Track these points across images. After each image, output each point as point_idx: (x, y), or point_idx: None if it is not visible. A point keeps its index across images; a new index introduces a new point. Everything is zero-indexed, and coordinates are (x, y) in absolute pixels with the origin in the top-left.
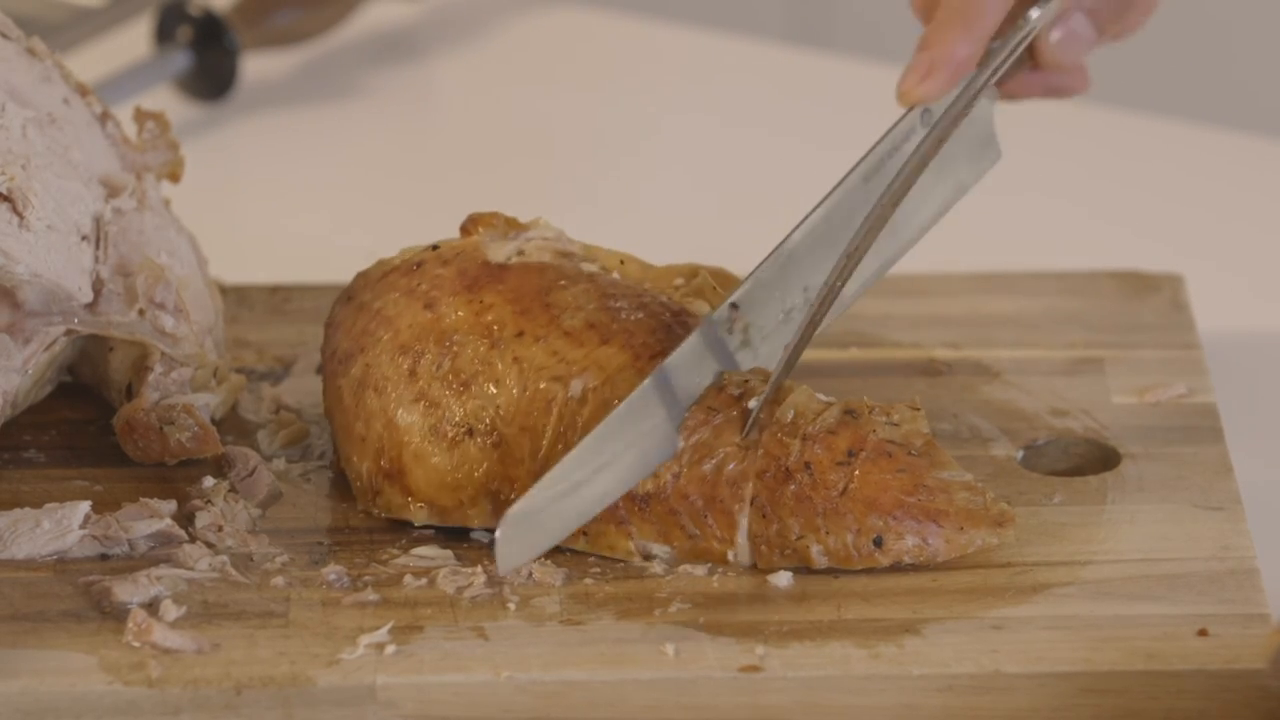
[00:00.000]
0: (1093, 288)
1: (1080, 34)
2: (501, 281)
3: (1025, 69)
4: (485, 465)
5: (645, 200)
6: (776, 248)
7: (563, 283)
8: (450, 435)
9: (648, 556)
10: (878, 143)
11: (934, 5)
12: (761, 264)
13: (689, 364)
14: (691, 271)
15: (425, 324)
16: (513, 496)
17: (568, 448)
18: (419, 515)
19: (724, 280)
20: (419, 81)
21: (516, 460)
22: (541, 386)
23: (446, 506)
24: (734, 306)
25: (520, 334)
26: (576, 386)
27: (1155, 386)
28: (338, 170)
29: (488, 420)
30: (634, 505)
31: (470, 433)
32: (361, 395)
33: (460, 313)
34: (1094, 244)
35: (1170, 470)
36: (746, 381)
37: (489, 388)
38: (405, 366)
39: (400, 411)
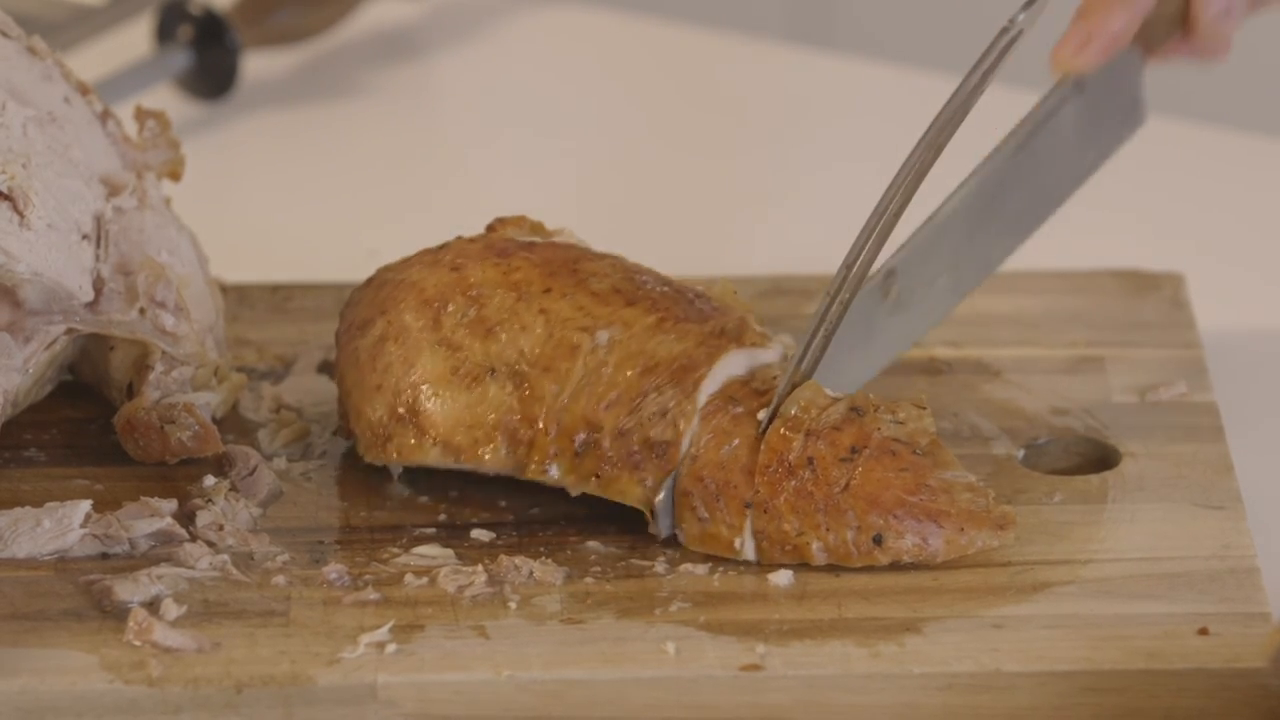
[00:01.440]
0: (1093, 286)
1: (1237, 8)
2: (530, 251)
3: (1175, 35)
4: (504, 404)
5: (645, 200)
6: (929, 218)
7: (590, 257)
8: (471, 374)
9: (654, 514)
10: (1030, 113)
11: None
12: (916, 232)
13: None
14: (709, 283)
15: (451, 281)
16: (531, 437)
17: (590, 395)
18: (431, 455)
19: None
20: (420, 81)
21: (537, 399)
22: (567, 334)
23: (461, 445)
24: (890, 274)
25: (548, 290)
26: (603, 336)
27: (1156, 385)
28: (338, 170)
29: (511, 360)
30: (650, 451)
31: (491, 372)
32: (381, 348)
33: (488, 272)
34: (1094, 243)
35: (1171, 469)
36: (774, 377)
37: (515, 330)
38: (429, 316)
39: (421, 356)
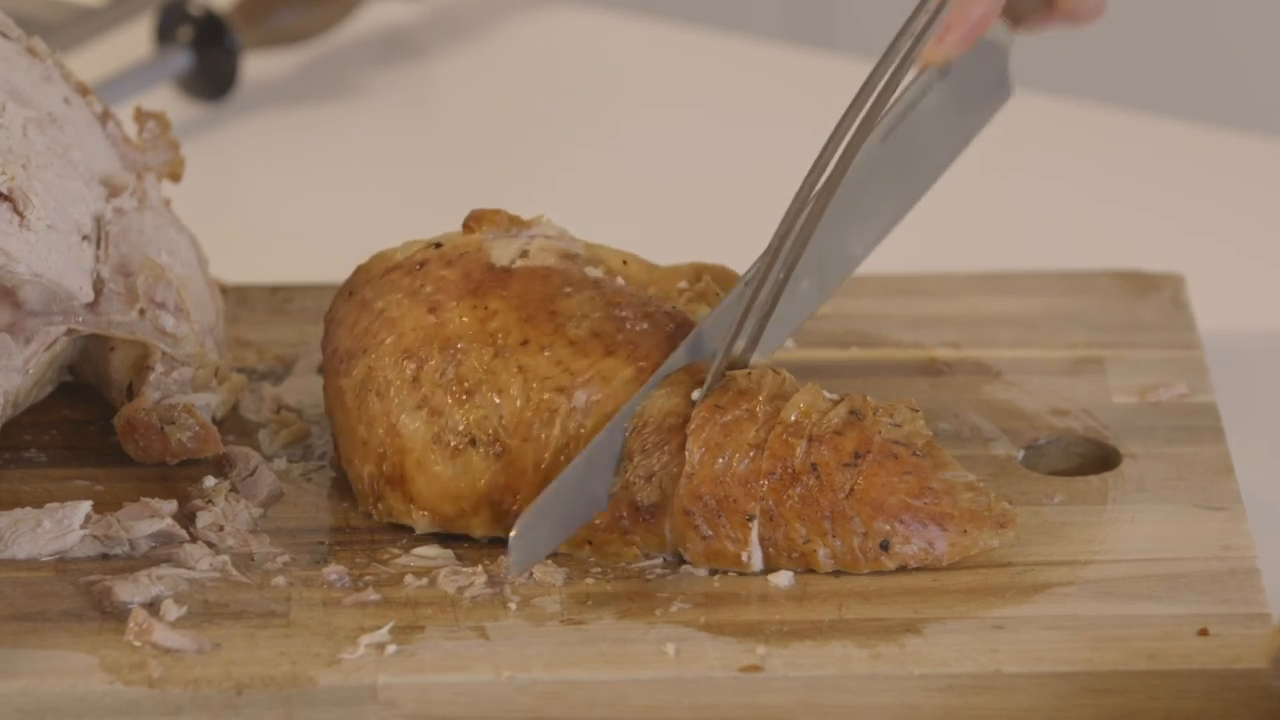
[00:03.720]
0: (1093, 287)
1: None
2: (506, 287)
3: (1041, 5)
4: (488, 475)
5: (646, 200)
6: (783, 220)
7: (568, 289)
8: (453, 444)
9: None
10: (892, 101)
11: None
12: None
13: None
14: (695, 274)
15: (429, 329)
16: (515, 507)
17: (569, 460)
18: (420, 522)
19: (727, 280)
20: (419, 81)
21: (519, 471)
22: (545, 397)
23: (448, 514)
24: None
25: (525, 342)
26: (580, 398)
27: (1156, 386)
28: (338, 170)
29: (491, 430)
30: (638, 515)
31: (473, 442)
32: (364, 398)
33: (465, 318)
34: (1094, 244)
35: (1171, 470)
36: (749, 374)
37: (493, 397)
38: (409, 372)
39: (403, 418)
